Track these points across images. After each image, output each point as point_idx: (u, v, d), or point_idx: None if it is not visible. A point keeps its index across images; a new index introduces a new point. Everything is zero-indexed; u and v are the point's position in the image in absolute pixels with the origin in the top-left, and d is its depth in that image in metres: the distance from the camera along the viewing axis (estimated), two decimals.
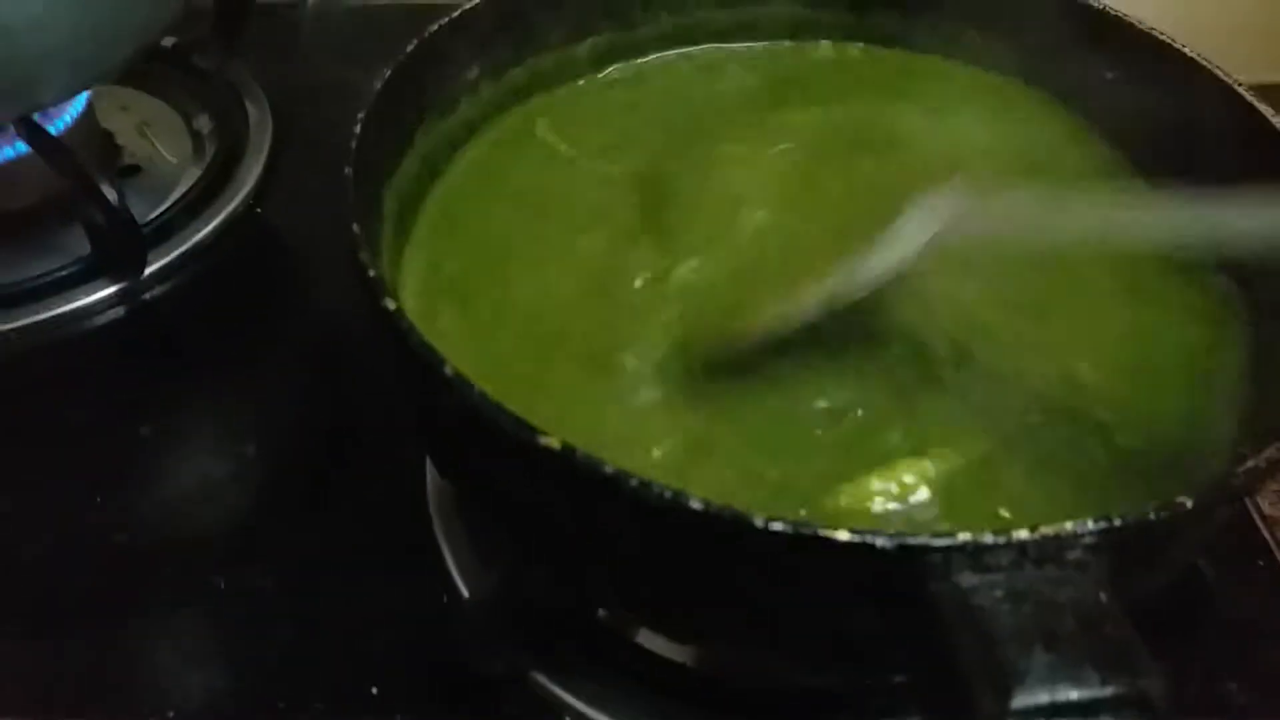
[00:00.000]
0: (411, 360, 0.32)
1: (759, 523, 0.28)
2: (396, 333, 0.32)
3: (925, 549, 0.27)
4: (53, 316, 0.56)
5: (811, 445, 0.37)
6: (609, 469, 0.29)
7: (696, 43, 0.54)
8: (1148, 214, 0.34)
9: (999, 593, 0.27)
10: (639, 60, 0.53)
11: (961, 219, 0.36)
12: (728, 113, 0.51)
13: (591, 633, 0.43)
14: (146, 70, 0.69)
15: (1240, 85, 0.44)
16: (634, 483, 0.28)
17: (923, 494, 0.36)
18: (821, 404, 0.38)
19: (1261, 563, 0.50)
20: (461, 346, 0.39)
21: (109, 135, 0.67)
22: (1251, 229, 0.32)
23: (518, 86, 0.50)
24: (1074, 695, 0.26)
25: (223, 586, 0.46)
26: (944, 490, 0.36)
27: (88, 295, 0.56)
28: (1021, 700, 0.26)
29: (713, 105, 0.51)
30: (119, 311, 0.58)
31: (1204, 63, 0.45)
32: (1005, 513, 0.36)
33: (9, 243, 0.58)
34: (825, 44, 0.54)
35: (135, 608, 0.46)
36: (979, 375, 0.39)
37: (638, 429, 0.37)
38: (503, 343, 0.40)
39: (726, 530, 0.28)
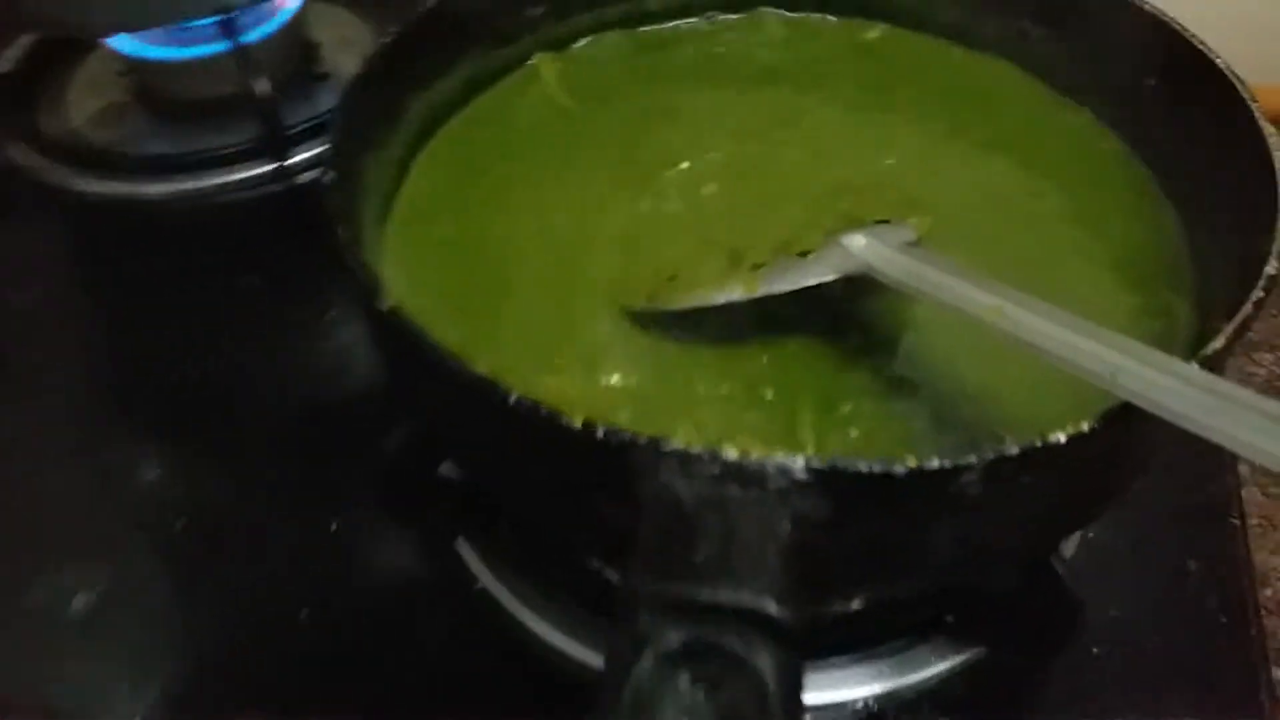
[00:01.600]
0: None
1: (512, 399, 0.32)
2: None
3: (637, 445, 0.30)
4: (218, 184, 0.68)
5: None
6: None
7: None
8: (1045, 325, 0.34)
9: (691, 496, 0.30)
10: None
11: (873, 266, 0.39)
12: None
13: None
14: None
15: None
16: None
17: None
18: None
19: None
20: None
21: (315, 46, 0.79)
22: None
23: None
24: (703, 595, 0.28)
25: None
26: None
27: (245, 170, 0.68)
28: (662, 588, 0.28)
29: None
30: (275, 188, 0.69)
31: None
32: None
33: (203, 122, 0.71)
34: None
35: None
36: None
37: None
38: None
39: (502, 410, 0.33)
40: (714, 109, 0.52)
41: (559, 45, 0.55)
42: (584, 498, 0.34)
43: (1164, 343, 0.40)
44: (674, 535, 0.29)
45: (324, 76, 0.77)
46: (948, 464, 0.30)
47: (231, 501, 0.52)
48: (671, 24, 0.56)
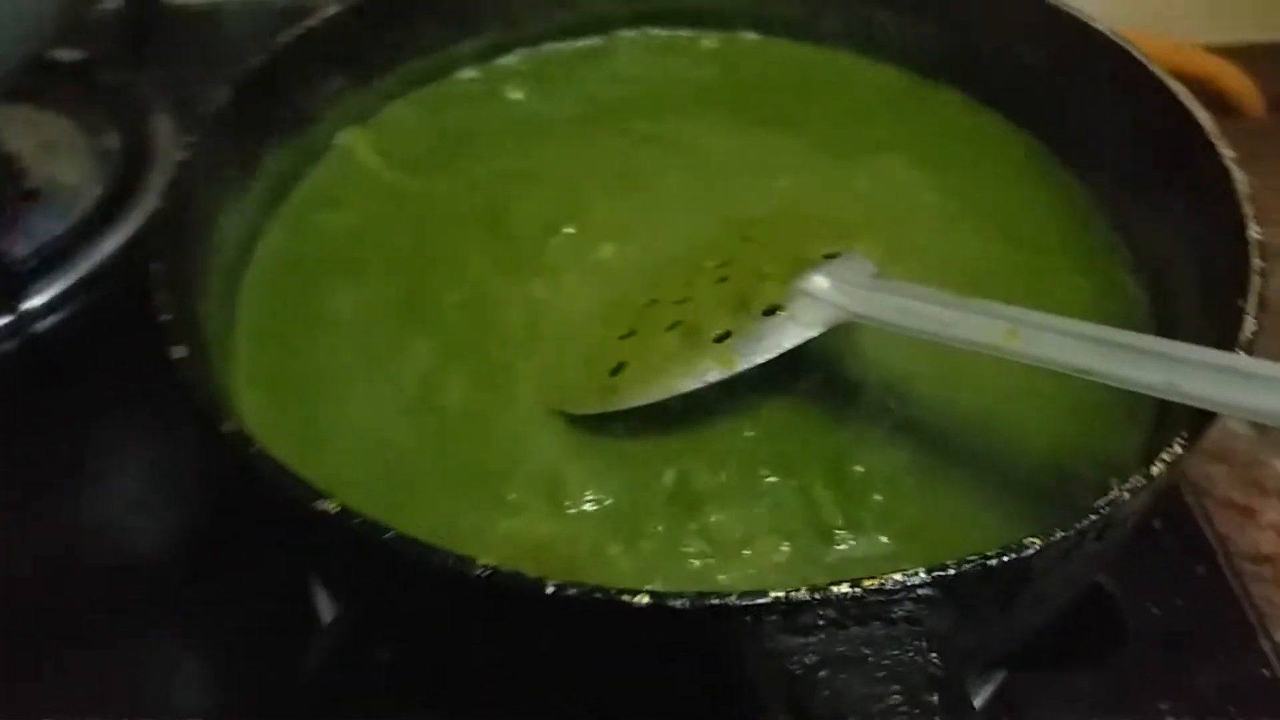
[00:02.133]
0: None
1: (549, 589, 0.25)
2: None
3: (728, 610, 0.25)
4: None
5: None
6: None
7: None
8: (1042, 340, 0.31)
9: (813, 658, 0.24)
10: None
11: (857, 313, 0.35)
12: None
13: None
14: (51, 86, 0.67)
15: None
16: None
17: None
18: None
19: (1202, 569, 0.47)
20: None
21: (10, 159, 0.64)
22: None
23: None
24: None
25: None
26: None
27: None
28: None
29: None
30: (11, 344, 0.56)
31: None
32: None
33: None
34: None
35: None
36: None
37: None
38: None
39: (519, 597, 0.26)
40: (572, 160, 0.46)
41: (365, 115, 0.47)
42: (652, 682, 0.28)
43: (1128, 322, 0.39)
44: (812, 713, 0.24)
45: (33, 194, 0.63)
46: (1071, 531, 0.26)
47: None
48: (477, 72, 0.50)
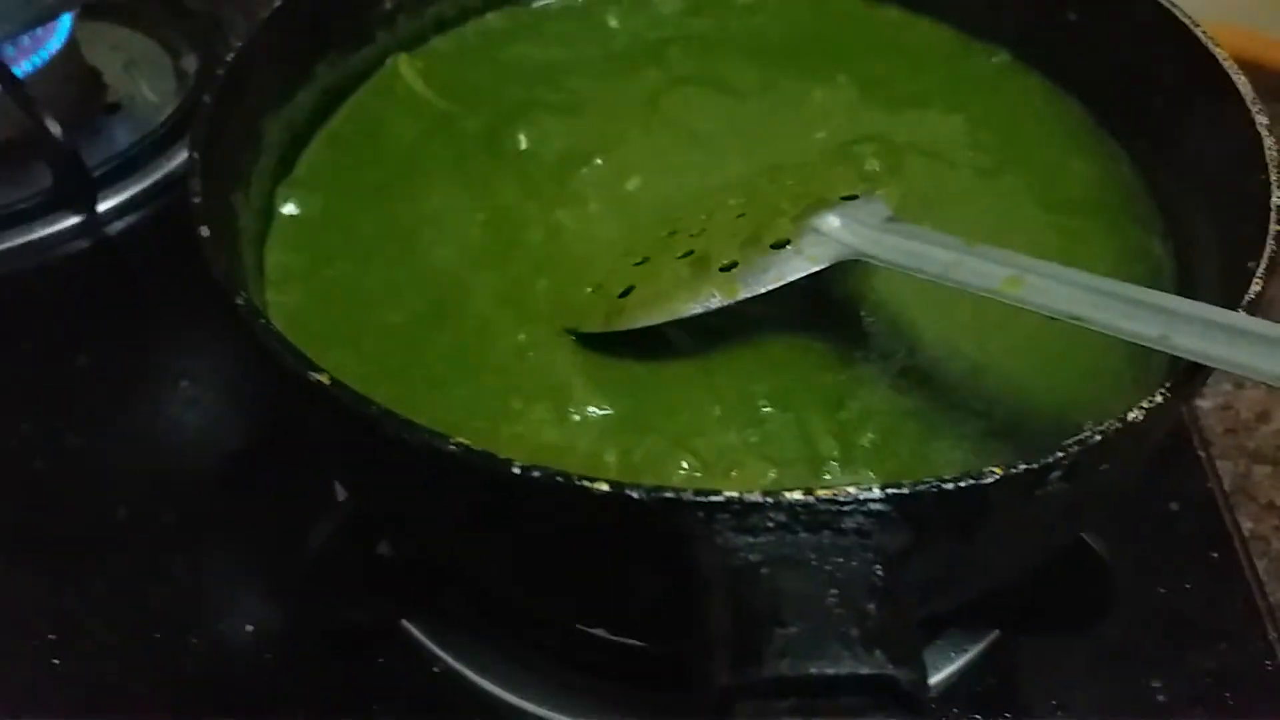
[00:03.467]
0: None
1: (517, 470, 0.26)
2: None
3: (682, 504, 0.25)
4: (17, 246, 0.57)
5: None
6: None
7: None
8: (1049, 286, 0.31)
9: (758, 556, 0.25)
10: None
11: (864, 251, 0.35)
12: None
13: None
14: (137, 8, 0.70)
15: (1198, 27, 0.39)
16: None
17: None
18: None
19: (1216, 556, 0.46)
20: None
21: (95, 74, 0.68)
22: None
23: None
24: (813, 671, 0.23)
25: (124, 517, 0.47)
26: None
27: (47, 227, 0.58)
28: (756, 673, 0.24)
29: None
30: (82, 243, 0.59)
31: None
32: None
33: None
34: None
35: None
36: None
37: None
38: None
39: (488, 477, 0.27)
40: (610, 95, 0.46)
41: (418, 41, 0.48)
42: (610, 570, 0.29)
43: (1150, 281, 0.38)
44: (748, 608, 0.25)
45: (115, 107, 0.67)
46: (1034, 465, 0.26)
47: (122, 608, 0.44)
48: (540, 3, 0.51)
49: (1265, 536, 0.65)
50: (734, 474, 0.34)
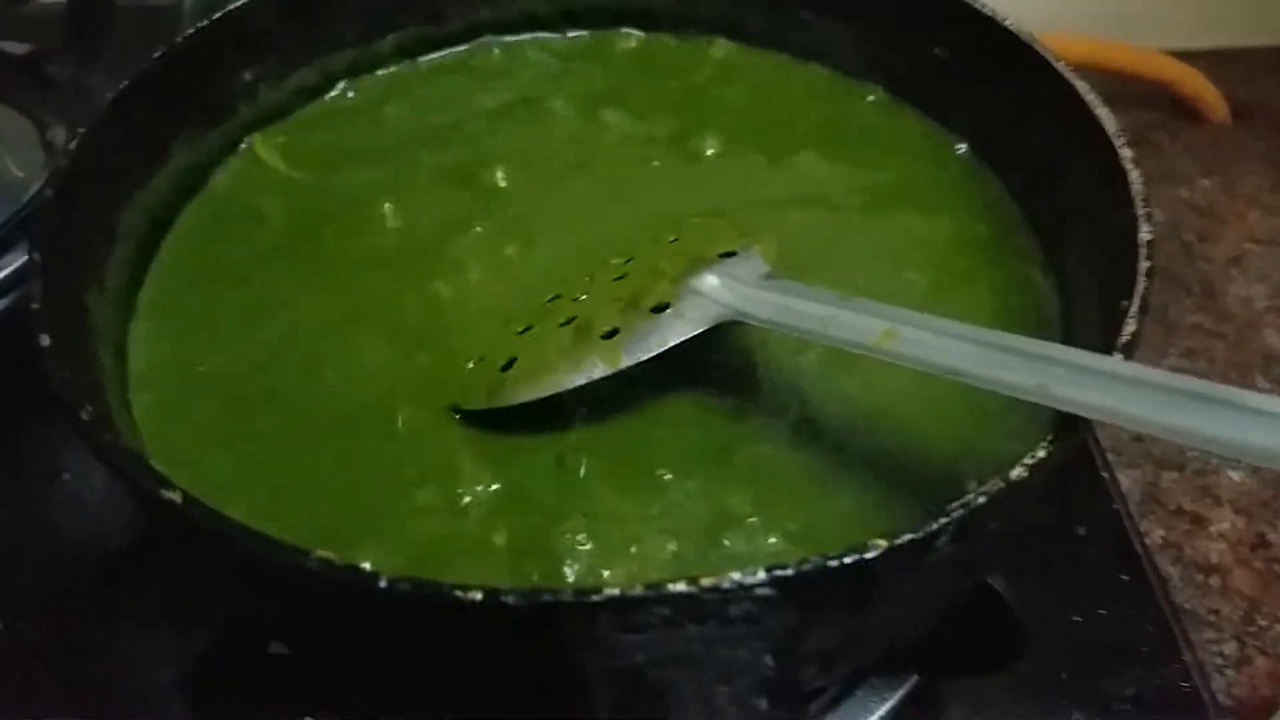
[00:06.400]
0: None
1: (384, 583, 0.25)
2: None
3: (561, 606, 0.24)
4: None
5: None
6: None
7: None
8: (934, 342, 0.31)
9: (643, 657, 0.24)
10: None
11: (741, 311, 0.34)
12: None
13: None
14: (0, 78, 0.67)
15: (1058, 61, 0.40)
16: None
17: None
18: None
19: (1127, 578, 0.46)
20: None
21: None
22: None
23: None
24: None
25: None
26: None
27: None
28: None
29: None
30: None
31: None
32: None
33: None
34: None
35: None
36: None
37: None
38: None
39: (353, 592, 0.25)
40: (487, 156, 0.45)
41: (281, 113, 0.47)
42: (495, 676, 0.28)
43: (1034, 316, 0.38)
44: (635, 714, 0.23)
45: None
46: (919, 534, 0.26)
47: None
48: (394, 68, 0.49)
49: (1178, 543, 0.66)
50: (633, 549, 0.33)
